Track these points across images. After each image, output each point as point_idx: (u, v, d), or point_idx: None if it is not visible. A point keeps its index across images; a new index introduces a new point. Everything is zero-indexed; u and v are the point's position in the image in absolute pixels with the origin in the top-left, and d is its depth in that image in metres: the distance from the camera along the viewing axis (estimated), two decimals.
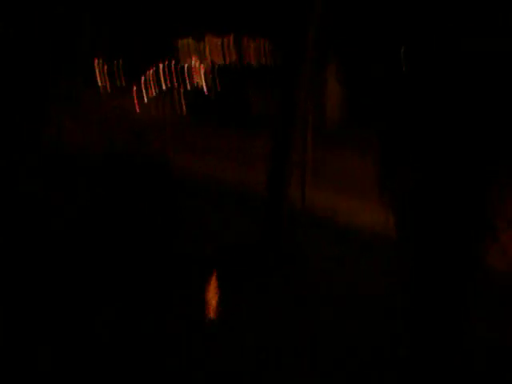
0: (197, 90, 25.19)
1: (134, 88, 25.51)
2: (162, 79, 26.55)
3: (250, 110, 20.74)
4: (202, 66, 26.21)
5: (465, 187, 3.74)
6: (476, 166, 3.70)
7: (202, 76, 26.15)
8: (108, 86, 25.18)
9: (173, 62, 26.23)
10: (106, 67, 26.34)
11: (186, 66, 26.30)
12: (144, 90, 26.15)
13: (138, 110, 23.79)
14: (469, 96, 3.62)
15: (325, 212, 8.48)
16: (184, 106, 23.98)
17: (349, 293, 5.94)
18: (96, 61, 25.35)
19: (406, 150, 3.97)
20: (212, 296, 5.99)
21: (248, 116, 20.15)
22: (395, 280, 4.60)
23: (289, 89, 7.43)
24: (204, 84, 25.81)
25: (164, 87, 26.01)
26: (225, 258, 6.87)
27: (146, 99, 25.72)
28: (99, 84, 24.95)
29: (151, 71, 25.99)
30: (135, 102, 25.24)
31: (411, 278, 4.16)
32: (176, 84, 26.37)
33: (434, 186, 3.79)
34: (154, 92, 25.96)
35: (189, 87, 25.51)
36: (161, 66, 26.09)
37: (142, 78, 25.86)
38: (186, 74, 26.31)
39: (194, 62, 26.36)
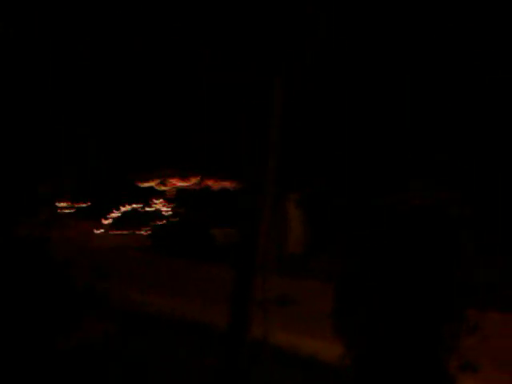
0: (161, 221, 25.37)
1: (99, 223, 25.69)
2: (126, 212, 26.83)
3: (212, 241, 20.87)
4: (166, 202, 26.65)
5: (419, 332, 3.78)
6: (428, 311, 3.77)
7: (166, 208, 26.49)
8: (73, 224, 25.37)
9: (139, 202, 26.73)
10: (71, 209, 26.73)
11: (151, 204, 26.75)
12: (110, 223, 26.31)
13: (102, 241, 23.72)
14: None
15: (288, 349, 8.34)
16: (148, 238, 24.02)
17: None
18: (62, 204, 25.77)
19: (361, 293, 4.04)
20: None
21: (211, 247, 20.26)
22: None
23: (250, 222, 7.47)
24: (167, 215, 26.08)
25: (128, 220, 26.20)
26: None
27: (111, 231, 25.77)
28: (65, 224, 25.20)
29: (117, 210, 26.38)
30: (101, 233, 25.27)
31: None
32: (142, 216, 26.63)
33: (388, 332, 3.83)
34: (117, 226, 26.10)
35: (153, 219, 25.72)
36: (126, 205, 26.52)
37: (108, 216, 26.16)
38: (150, 209, 26.67)
39: (159, 200, 26.85)
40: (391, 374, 3.84)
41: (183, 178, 26.71)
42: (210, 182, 25.62)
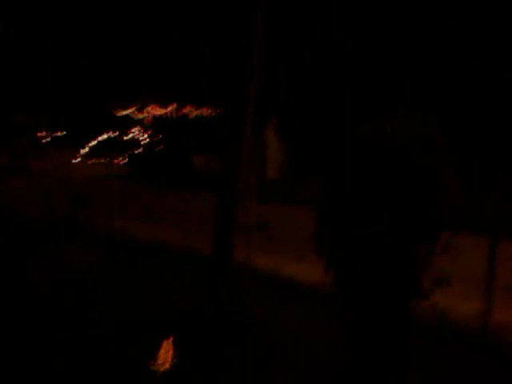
0: (140, 149, 25.29)
1: (77, 153, 25.54)
2: (106, 141, 26.66)
3: (192, 169, 20.92)
4: (143, 130, 26.44)
5: (395, 251, 3.99)
6: (404, 232, 3.97)
7: (146, 137, 26.35)
8: (52, 150, 25.21)
9: (116, 131, 26.48)
10: (49, 136, 26.44)
11: (128, 133, 26.52)
12: (87, 152, 26.18)
13: (81, 170, 23.66)
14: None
15: (269, 271, 8.60)
16: (126, 167, 24.00)
17: (300, 355, 5.98)
18: (42, 132, 25.46)
19: (342, 213, 4.21)
20: (162, 364, 5.86)
21: (190, 175, 20.33)
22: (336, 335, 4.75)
23: (231, 148, 7.51)
24: (147, 144, 25.97)
25: (107, 148, 26.05)
26: (172, 323, 6.80)
27: (88, 160, 25.66)
28: (46, 151, 25.06)
29: (95, 137, 26.15)
30: (78, 162, 25.15)
31: (351, 335, 4.35)
32: (119, 145, 26.48)
33: (367, 251, 4.03)
34: (96, 153, 25.98)
35: (132, 147, 25.62)
36: (105, 133, 26.29)
37: (86, 143, 25.97)
38: (127, 137, 26.51)
39: (136, 129, 26.61)
40: (369, 290, 4.08)
41: (160, 105, 26.42)
42: (187, 110, 25.42)
